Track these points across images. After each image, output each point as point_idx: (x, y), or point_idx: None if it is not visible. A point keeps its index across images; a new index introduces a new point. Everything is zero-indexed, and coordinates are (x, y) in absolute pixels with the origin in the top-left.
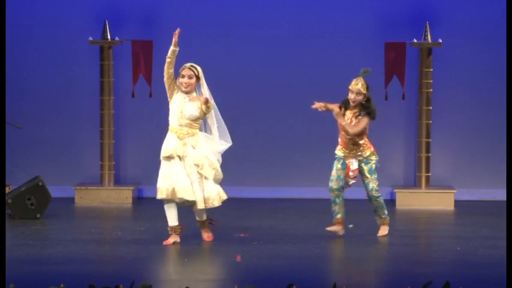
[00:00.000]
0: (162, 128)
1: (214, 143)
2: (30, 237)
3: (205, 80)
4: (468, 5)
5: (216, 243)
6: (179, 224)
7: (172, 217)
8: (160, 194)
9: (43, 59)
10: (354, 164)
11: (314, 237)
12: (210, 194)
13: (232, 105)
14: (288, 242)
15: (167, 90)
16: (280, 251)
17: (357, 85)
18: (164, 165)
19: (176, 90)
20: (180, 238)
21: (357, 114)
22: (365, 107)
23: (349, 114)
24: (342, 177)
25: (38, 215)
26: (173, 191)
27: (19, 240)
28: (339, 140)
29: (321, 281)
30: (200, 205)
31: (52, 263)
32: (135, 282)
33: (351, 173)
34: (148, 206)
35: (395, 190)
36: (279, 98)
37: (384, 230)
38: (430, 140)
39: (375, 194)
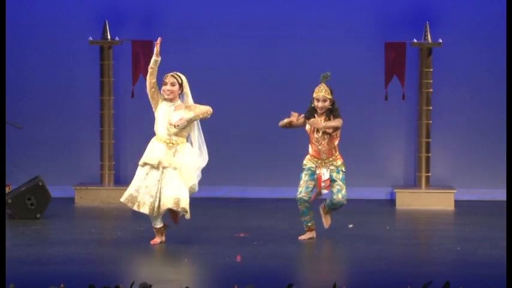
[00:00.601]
0: None
1: (196, 158)
2: (30, 237)
3: (205, 79)
4: (468, 5)
5: (216, 243)
6: (164, 225)
7: (155, 219)
8: (125, 200)
9: (43, 59)
10: (325, 174)
11: (314, 237)
12: (183, 197)
13: (232, 105)
14: (288, 242)
15: (151, 100)
16: (280, 251)
17: (321, 92)
18: (140, 172)
19: (161, 100)
20: (166, 237)
21: (327, 119)
22: (332, 111)
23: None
24: (310, 188)
25: (38, 215)
26: (134, 200)
27: (19, 240)
28: (310, 150)
29: (321, 281)
30: (169, 204)
31: (52, 263)
32: (135, 282)
33: (323, 183)
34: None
35: (395, 190)
36: (279, 98)
37: (328, 221)
38: (430, 140)
39: (345, 201)
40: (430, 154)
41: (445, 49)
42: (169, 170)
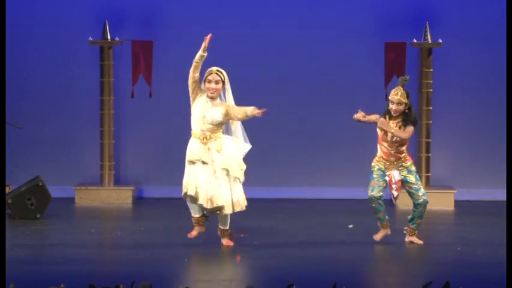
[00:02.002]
0: (162, 128)
1: (239, 144)
2: (30, 237)
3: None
4: (468, 5)
5: (216, 243)
6: (203, 215)
7: (194, 208)
8: (190, 191)
9: (43, 59)
10: (395, 176)
11: (314, 237)
12: (239, 197)
13: None
14: (288, 242)
15: (190, 93)
16: (280, 251)
17: (397, 95)
18: (189, 168)
19: (199, 94)
20: (205, 228)
21: (400, 124)
22: (408, 116)
23: (392, 124)
24: (382, 187)
25: (38, 215)
26: (197, 192)
27: (19, 240)
28: (379, 150)
29: (321, 281)
30: (228, 209)
31: (52, 263)
32: (135, 282)
33: (394, 185)
34: (148, 206)
35: None
36: (279, 98)
37: (418, 240)
38: (430, 140)
39: (426, 198)
40: (430, 154)
41: (445, 49)
42: (219, 171)
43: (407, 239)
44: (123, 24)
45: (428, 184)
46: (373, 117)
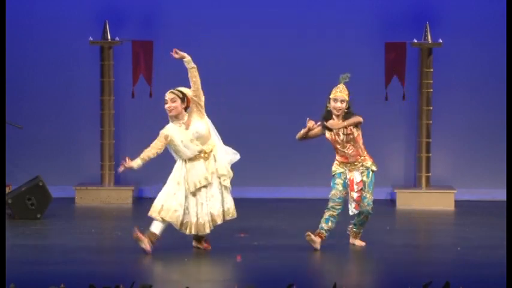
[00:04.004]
0: (162, 128)
1: (227, 152)
2: (30, 237)
3: (204, 80)
4: (468, 5)
5: (216, 244)
6: (159, 236)
7: (157, 226)
8: (170, 220)
9: (43, 59)
10: (357, 177)
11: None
12: (230, 205)
13: (232, 105)
14: (288, 243)
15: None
16: (280, 251)
17: (339, 92)
18: (180, 194)
19: (167, 134)
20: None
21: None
22: (348, 113)
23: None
24: (343, 198)
25: (38, 215)
26: (182, 222)
27: (19, 240)
28: (337, 157)
29: (321, 281)
30: (219, 220)
31: (52, 263)
32: (135, 282)
33: (355, 186)
34: (148, 206)
35: (395, 190)
36: (279, 98)
37: (360, 242)
38: (430, 140)
39: (370, 209)
40: (430, 154)
41: (445, 49)
42: (214, 178)
43: (350, 240)
44: (123, 24)
45: (428, 184)
46: (318, 129)
